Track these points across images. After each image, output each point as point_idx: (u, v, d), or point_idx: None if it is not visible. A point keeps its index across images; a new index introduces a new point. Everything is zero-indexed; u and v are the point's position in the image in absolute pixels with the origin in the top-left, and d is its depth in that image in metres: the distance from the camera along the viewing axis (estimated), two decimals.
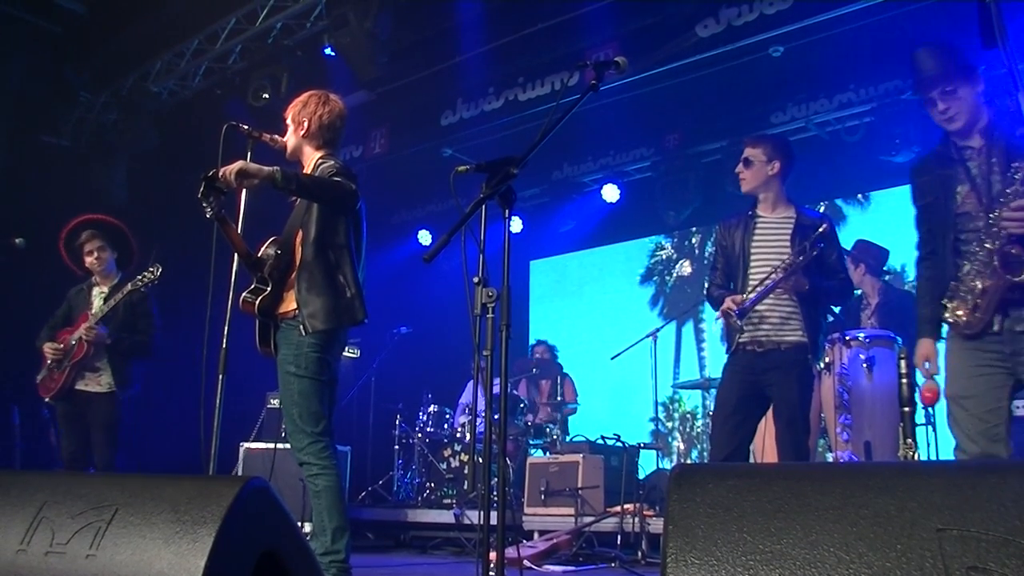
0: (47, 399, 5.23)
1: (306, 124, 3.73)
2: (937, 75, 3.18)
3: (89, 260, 5.29)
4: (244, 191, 3.54)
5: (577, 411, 8.24)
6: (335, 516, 3.35)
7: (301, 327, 3.45)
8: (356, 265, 3.60)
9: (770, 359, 3.91)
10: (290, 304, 3.55)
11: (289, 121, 3.82)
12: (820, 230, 3.92)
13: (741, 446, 3.91)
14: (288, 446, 6.01)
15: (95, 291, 5.35)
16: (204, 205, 3.33)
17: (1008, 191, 2.96)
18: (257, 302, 3.54)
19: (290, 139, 3.79)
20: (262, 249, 3.68)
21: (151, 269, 5.01)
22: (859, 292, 5.97)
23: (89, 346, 5.09)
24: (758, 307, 3.94)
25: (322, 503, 3.36)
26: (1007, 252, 2.91)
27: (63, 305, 5.42)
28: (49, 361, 5.18)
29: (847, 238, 7.31)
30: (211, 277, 3.63)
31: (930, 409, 5.40)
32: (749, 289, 3.95)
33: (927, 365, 3.18)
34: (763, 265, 3.97)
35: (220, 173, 3.27)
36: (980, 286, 2.98)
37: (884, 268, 6.05)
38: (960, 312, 3.04)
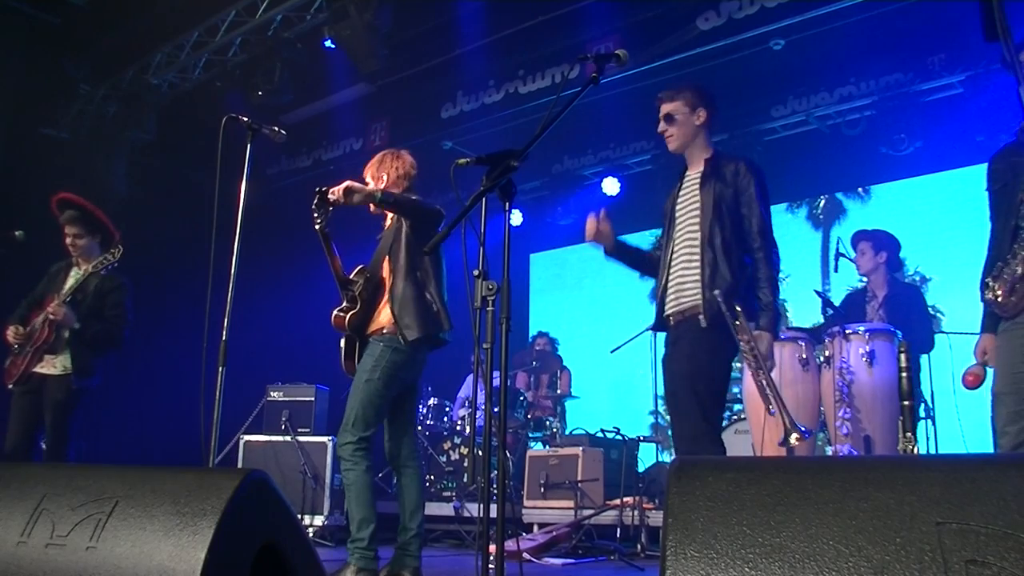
0: (9, 385, 4.93)
1: (385, 178, 4.17)
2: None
3: (67, 241, 5.11)
4: (243, 191, 3.77)
5: (571, 403, 8.24)
6: (360, 508, 3.85)
7: (400, 336, 3.91)
8: (440, 285, 4.07)
9: (676, 331, 3.58)
10: (379, 324, 4.02)
11: (369, 179, 4.21)
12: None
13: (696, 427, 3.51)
14: (287, 438, 6.21)
15: (72, 272, 5.13)
16: (316, 216, 3.86)
17: None
18: (348, 317, 4.02)
19: None
20: (352, 275, 4.13)
21: (112, 251, 4.81)
22: (863, 283, 5.95)
23: (51, 329, 4.87)
24: (673, 271, 3.62)
25: (350, 494, 3.88)
26: None
27: (42, 281, 5.20)
28: (13, 346, 4.95)
29: (848, 232, 7.30)
30: (211, 269, 3.65)
31: (930, 403, 5.41)
32: (670, 256, 3.64)
33: (985, 357, 3.17)
34: (680, 227, 3.63)
35: (331, 190, 3.81)
36: (1020, 271, 2.97)
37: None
38: (999, 293, 3.03)
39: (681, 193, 3.73)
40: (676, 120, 3.66)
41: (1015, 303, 3.00)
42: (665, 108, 3.70)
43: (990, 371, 3.19)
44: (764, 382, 3.45)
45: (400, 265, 3.98)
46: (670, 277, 3.65)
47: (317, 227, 3.90)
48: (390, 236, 4.09)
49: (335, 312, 4.09)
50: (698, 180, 3.63)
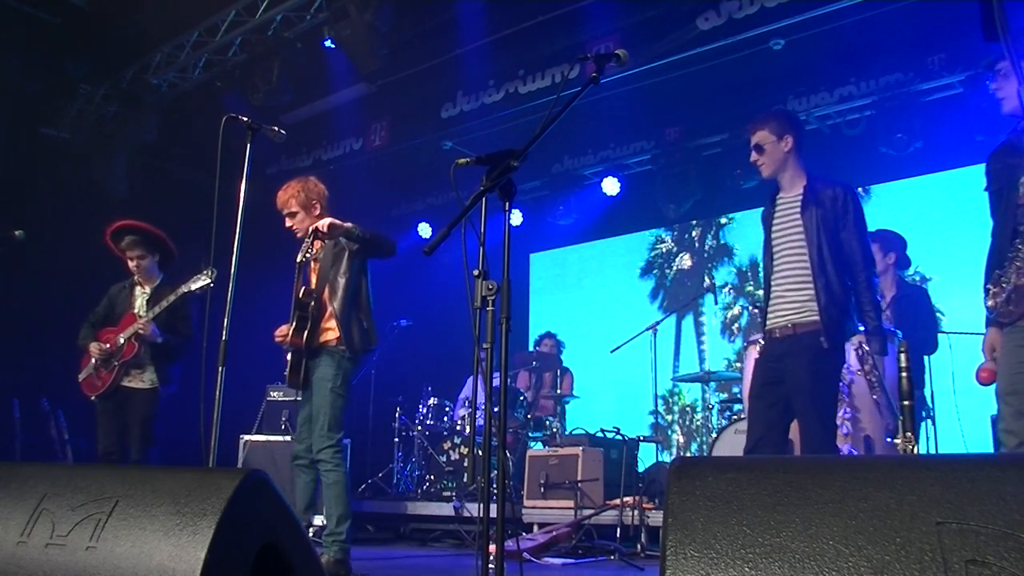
0: (93, 397, 5.28)
1: (317, 205, 4.61)
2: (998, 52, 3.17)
3: (131, 265, 5.39)
4: (243, 191, 3.87)
5: (571, 403, 8.24)
6: (340, 505, 4.23)
7: (348, 350, 4.37)
8: (371, 306, 4.57)
9: (785, 345, 3.73)
10: (326, 339, 4.42)
11: (298, 207, 4.59)
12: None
13: (770, 432, 3.70)
14: (287, 439, 6.33)
15: (137, 291, 5.43)
16: (312, 244, 4.35)
17: None
18: (305, 335, 4.39)
19: (306, 221, 4.56)
20: (301, 295, 4.51)
21: (207, 272, 4.84)
22: None
23: (140, 345, 5.20)
24: (777, 288, 3.81)
25: (332, 493, 4.24)
26: None
27: (103, 302, 5.47)
28: (95, 360, 5.25)
29: None
30: (211, 269, 3.65)
31: (930, 403, 5.42)
32: (774, 277, 3.85)
33: (993, 352, 3.20)
34: (782, 249, 3.82)
35: (319, 225, 4.30)
36: (1015, 282, 3.02)
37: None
38: (998, 300, 3.08)
39: (777, 215, 3.89)
40: (764, 149, 3.86)
41: (1012, 311, 3.05)
42: (753, 139, 3.90)
43: None
44: (880, 400, 3.77)
45: (344, 287, 4.45)
46: (772, 295, 3.84)
47: (309, 256, 4.41)
48: (329, 259, 4.51)
49: (287, 331, 4.43)
50: (798, 205, 3.80)
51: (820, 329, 3.62)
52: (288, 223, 4.61)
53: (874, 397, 3.76)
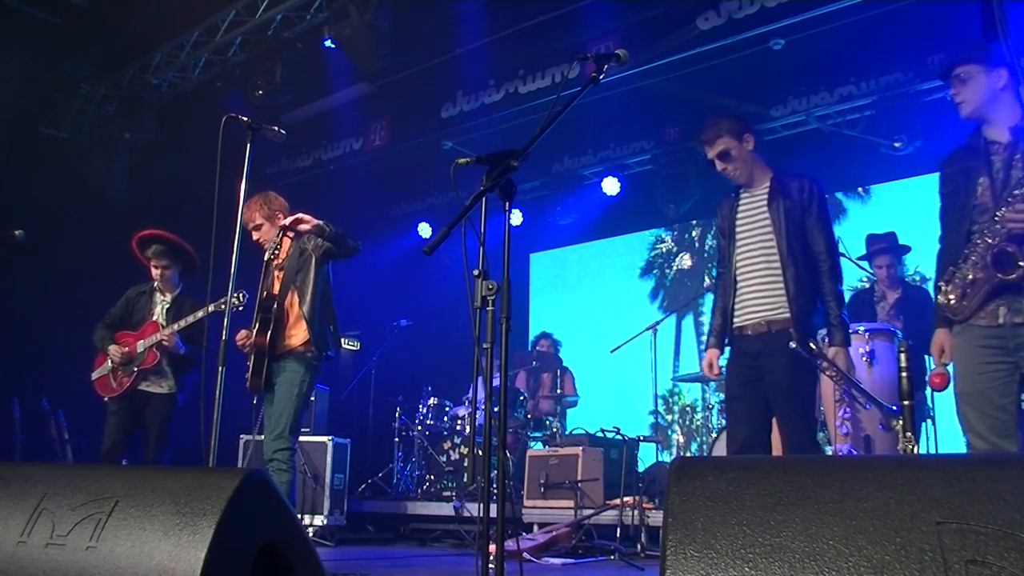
0: (107, 398, 5.34)
1: (280, 215, 4.61)
2: (953, 59, 3.22)
3: (155, 272, 5.46)
4: (243, 191, 3.92)
5: (577, 404, 8.25)
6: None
7: (316, 355, 4.40)
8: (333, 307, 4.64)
9: (760, 342, 3.67)
10: (292, 344, 4.42)
11: (262, 219, 4.60)
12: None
13: (754, 435, 3.65)
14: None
15: (157, 297, 5.48)
16: (280, 242, 4.45)
17: (1016, 192, 2.99)
18: (268, 338, 4.37)
19: (271, 232, 4.60)
20: (264, 295, 4.50)
21: (239, 296, 4.47)
22: (869, 282, 5.95)
23: (161, 355, 5.29)
24: (744, 285, 3.76)
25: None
26: (1003, 249, 2.96)
27: (119, 303, 5.51)
28: (111, 363, 5.31)
29: (848, 231, 7.31)
30: (211, 269, 3.66)
31: (930, 403, 5.41)
32: (736, 274, 3.81)
33: (942, 355, 3.24)
34: (749, 245, 3.78)
35: (286, 221, 4.40)
36: (971, 277, 3.06)
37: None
38: (952, 297, 3.12)
39: (741, 210, 3.86)
40: (733, 156, 3.79)
41: (966, 307, 3.08)
42: (715, 148, 3.81)
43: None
44: (852, 392, 3.57)
45: (313, 291, 4.45)
46: (739, 292, 3.78)
47: (274, 252, 4.45)
48: (295, 265, 4.51)
49: (248, 333, 4.41)
50: (764, 198, 3.78)
51: (791, 323, 3.58)
52: (255, 236, 4.64)
53: (865, 404, 3.69)
